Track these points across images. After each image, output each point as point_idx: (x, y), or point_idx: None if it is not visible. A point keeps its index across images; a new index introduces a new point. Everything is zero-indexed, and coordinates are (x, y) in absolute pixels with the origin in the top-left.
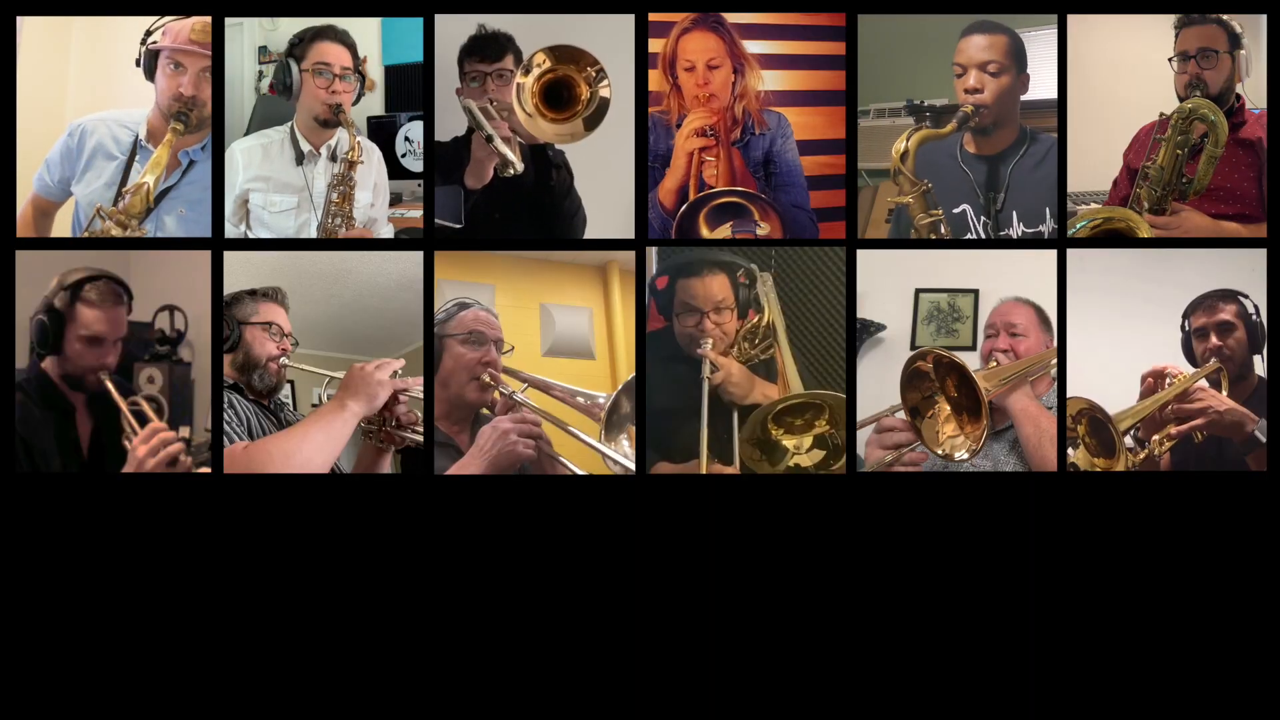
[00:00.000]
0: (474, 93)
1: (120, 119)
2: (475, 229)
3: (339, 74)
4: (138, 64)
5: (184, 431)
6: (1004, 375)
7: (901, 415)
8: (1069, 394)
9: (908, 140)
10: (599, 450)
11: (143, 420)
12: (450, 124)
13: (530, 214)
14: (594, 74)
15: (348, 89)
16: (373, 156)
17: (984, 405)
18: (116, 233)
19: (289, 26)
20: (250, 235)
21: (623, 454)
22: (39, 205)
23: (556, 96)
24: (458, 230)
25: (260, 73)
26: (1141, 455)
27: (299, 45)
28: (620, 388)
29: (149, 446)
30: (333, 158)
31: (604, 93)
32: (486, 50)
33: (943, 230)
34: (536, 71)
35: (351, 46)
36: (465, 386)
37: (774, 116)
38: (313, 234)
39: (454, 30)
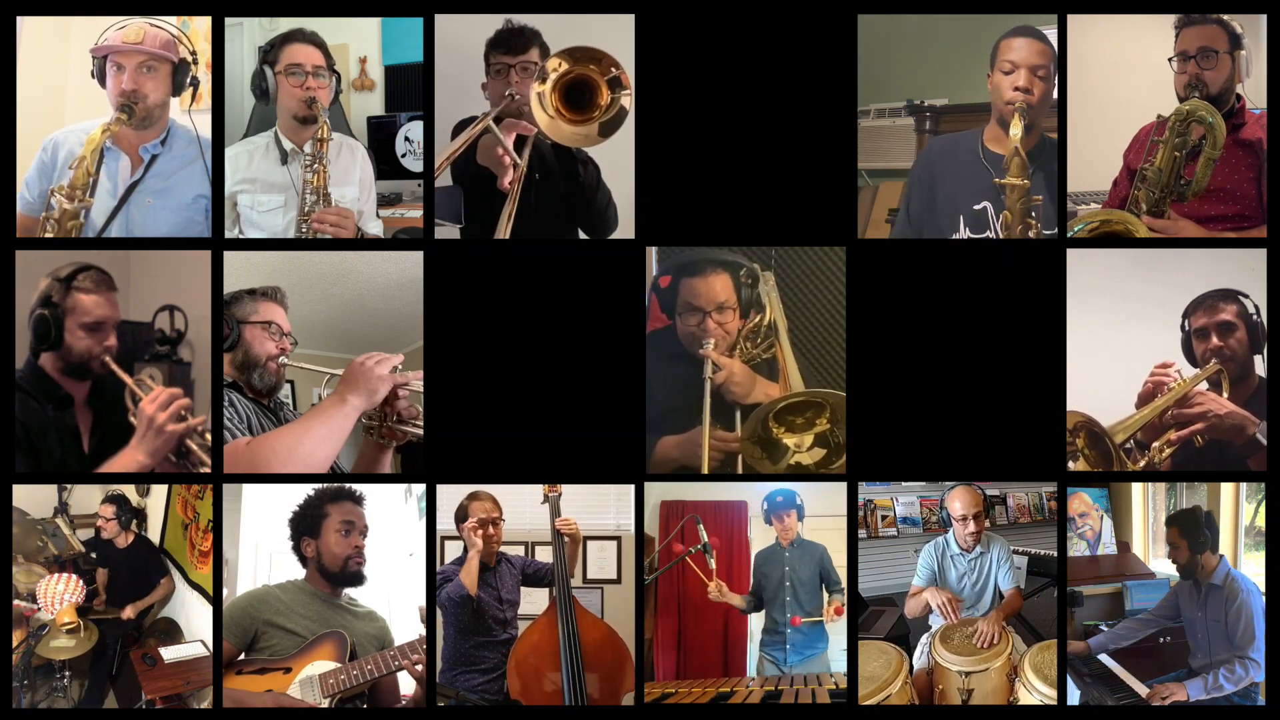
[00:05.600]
0: (495, 85)
1: (87, 128)
2: (525, 229)
3: (311, 72)
4: (92, 75)
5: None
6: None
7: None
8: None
9: (1021, 124)
10: None
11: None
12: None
13: (567, 215)
14: (616, 76)
15: (322, 85)
16: (357, 154)
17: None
18: (66, 205)
19: (287, 27)
20: (242, 237)
21: None
22: (23, 224)
23: (577, 96)
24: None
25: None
26: (1142, 462)
27: (270, 51)
28: None
29: (158, 403)
30: None
31: (625, 102)
32: (511, 43)
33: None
34: (554, 77)
35: (322, 45)
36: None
37: None
38: (294, 220)
39: (479, 26)
